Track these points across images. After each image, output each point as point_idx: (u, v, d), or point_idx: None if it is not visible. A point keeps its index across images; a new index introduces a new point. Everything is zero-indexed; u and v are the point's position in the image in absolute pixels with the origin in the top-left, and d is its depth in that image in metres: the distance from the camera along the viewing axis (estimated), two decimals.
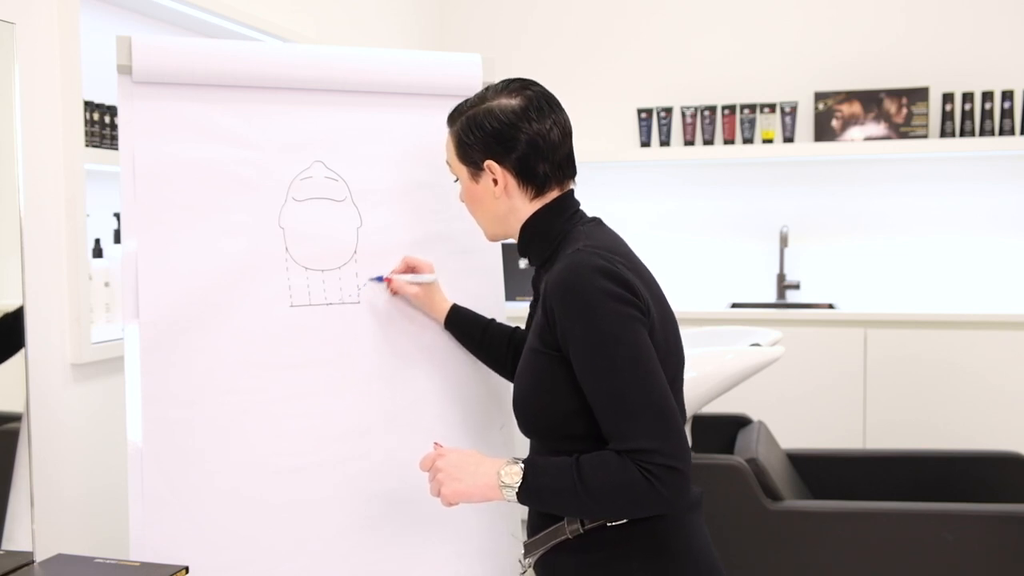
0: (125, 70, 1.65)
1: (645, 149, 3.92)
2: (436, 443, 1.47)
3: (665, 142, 3.94)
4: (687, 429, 2.43)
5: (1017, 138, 3.57)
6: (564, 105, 1.50)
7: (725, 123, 3.88)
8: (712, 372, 2.29)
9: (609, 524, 1.37)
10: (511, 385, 1.58)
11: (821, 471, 2.74)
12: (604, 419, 1.31)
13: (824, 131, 3.82)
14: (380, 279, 1.78)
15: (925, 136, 3.71)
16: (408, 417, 1.80)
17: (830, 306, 3.84)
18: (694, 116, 3.90)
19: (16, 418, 1.63)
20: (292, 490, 1.69)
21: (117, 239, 2.19)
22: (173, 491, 1.62)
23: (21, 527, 1.61)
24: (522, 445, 1.53)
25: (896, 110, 3.75)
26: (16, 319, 1.65)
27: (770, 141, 3.85)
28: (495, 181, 1.46)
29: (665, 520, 1.38)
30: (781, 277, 3.91)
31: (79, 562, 1.53)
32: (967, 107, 3.65)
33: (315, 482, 1.71)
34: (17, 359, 1.65)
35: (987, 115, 3.62)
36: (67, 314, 1.91)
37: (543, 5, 4.14)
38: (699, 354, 2.33)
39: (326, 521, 1.71)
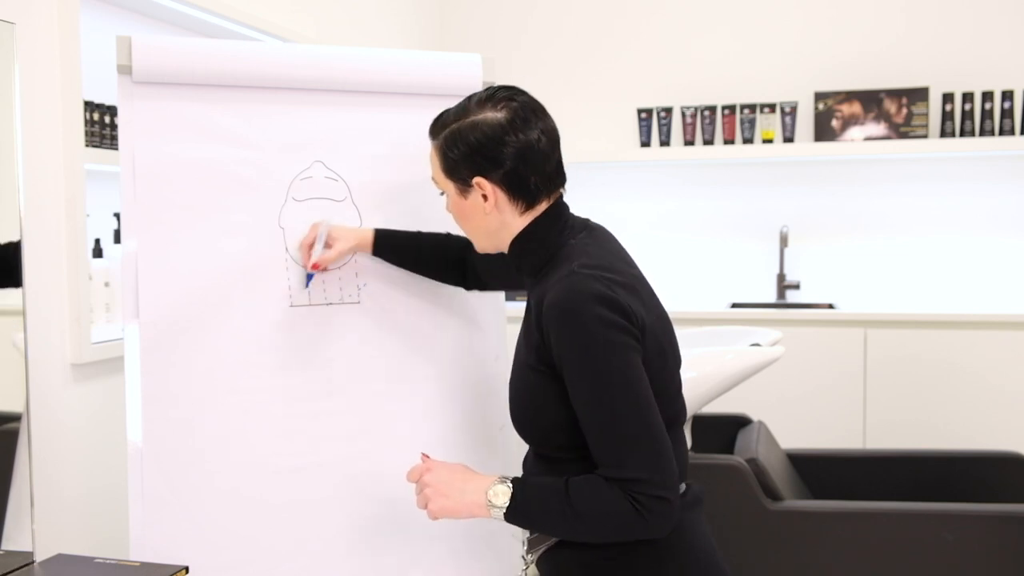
0: (125, 70, 1.65)
1: (645, 149, 3.92)
2: (424, 455, 1.45)
3: (665, 142, 3.94)
4: (687, 429, 2.43)
5: (1017, 138, 3.57)
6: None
7: (725, 123, 3.88)
8: (712, 372, 2.29)
9: None
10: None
11: (821, 471, 2.74)
12: (596, 446, 1.31)
13: (824, 131, 3.82)
14: (311, 276, 1.73)
15: (925, 136, 3.71)
16: (408, 417, 1.80)
17: (830, 306, 3.84)
18: (694, 116, 3.90)
19: (16, 418, 1.63)
20: (292, 490, 1.69)
21: (117, 239, 2.19)
22: (173, 491, 1.62)
23: (21, 527, 1.61)
24: (521, 445, 1.53)
25: (896, 110, 3.75)
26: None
27: (770, 141, 3.85)
28: (485, 197, 1.42)
29: None
30: (781, 277, 3.91)
31: (79, 562, 1.53)
32: (967, 107, 3.65)
33: (315, 482, 1.71)
34: (17, 359, 1.65)
35: (987, 115, 3.62)
36: (67, 314, 1.91)
37: (543, 5, 4.14)
38: (699, 354, 2.33)
39: (326, 521, 1.71)
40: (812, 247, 3.95)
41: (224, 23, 2.46)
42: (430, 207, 1.86)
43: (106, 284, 2.09)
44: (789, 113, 3.81)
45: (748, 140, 3.87)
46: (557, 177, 1.46)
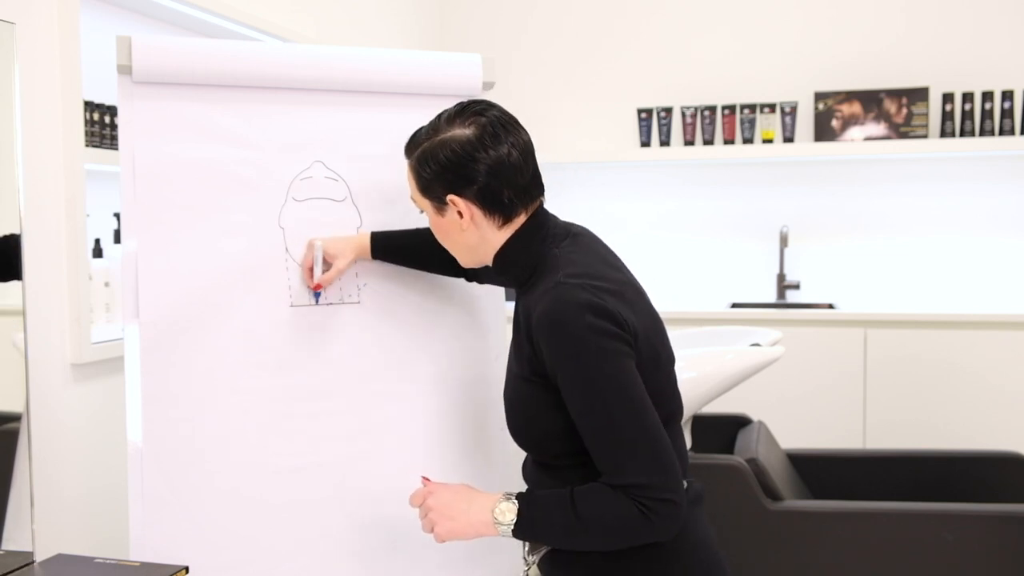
0: (125, 70, 1.65)
1: (645, 149, 3.92)
2: (424, 478, 1.45)
3: (665, 142, 3.94)
4: (687, 429, 2.43)
5: (1017, 138, 3.57)
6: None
7: (725, 123, 3.88)
8: (712, 372, 2.29)
9: None
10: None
11: (821, 471, 2.74)
12: (597, 454, 1.31)
13: (824, 131, 3.82)
14: (318, 295, 1.74)
15: (925, 136, 3.71)
16: (407, 417, 1.80)
17: (830, 306, 3.84)
18: (694, 116, 3.90)
19: (16, 418, 1.63)
20: (292, 490, 1.69)
21: (117, 239, 2.19)
22: (173, 491, 1.62)
23: (21, 527, 1.61)
24: None
25: (896, 110, 3.75)
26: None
27: (770, 141, 3.85)
28: (460, 214, 1.42)
29: None
30: (781, 277, 3.91)
31: (79, 562, 1.53)
32: (967, 107, 3.65)
33: (315, 482, 1.71)
34: (17, 359, 1.65)
35: (987, 115, 3.62)
36: (67, 314, 1.91)
37: (543, 5, 4.14)
38: (699, 354, 2.33)
39: (326, 521, 1.71)
40: (812, 247, 3.95)
41: (224, 23, 2.46)
42: None
43: (106, 284, 2.09)
44: (789, 113, 3.81)
45: (748, 140, 3.87)
46: (533, 189, 1.44)
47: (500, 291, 1.92)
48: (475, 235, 1.44)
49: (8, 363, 1.63)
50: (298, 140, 1.77)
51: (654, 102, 4.02)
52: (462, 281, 1.83)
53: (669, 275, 4.05)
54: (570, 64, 4.11)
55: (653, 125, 3.95)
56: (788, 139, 3.83)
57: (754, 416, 2.99)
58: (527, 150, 1.43)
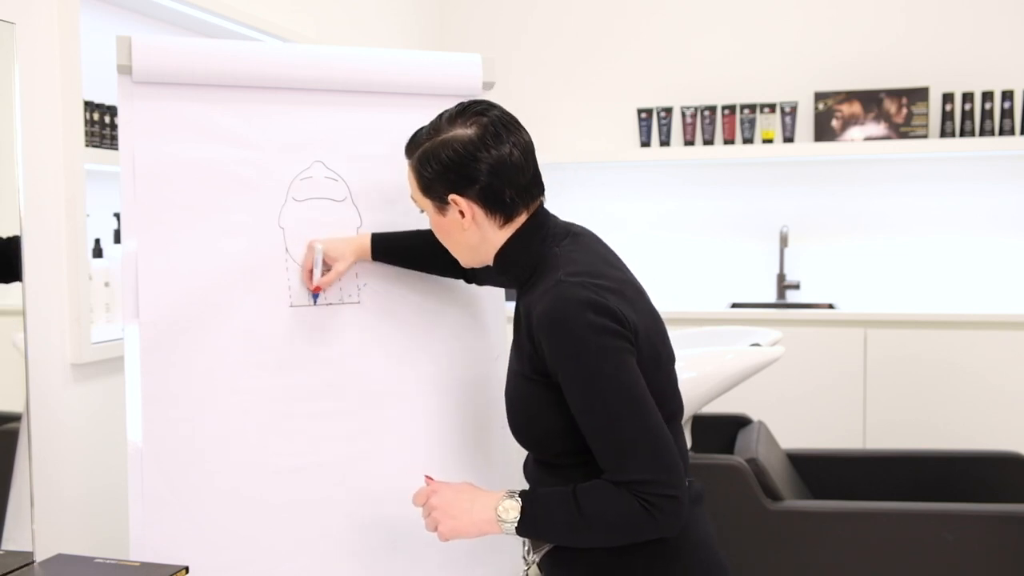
0: (125, 70, 1.65)
1: (645, 149, 3.92)
2: (428, 477, 1.45)
3: (665, 142, 3.94)
4: (687, 429, 2.43)
5: (1017, 138, 3.57)
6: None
7: (725, 123, 3.88)
8: (712, 372, 2.29)
9: None
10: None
11: (821, 471, 2.74)
12: (599, 452, 1.32)
13: (824, 131, 3.82)
14: (316, 296, 1.74)
15: (925, 136, 3.71)
16: (408, 417, 1.80)
17: (830, 306, 3.84)
18: (694, 116, 3.90)
19: (16, 418, 1.63)
20: (292, 490, 1.69)
21: (117, 239, 2.19)
22: (173, 491, 1.62)
23: (21, 527, 1.61)
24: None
25: (896, 110, 3.75)
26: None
27: (770, 141, 3.85)
28: (462, 213, 1.42)
29: None
30: (781, 277, 3.91)
31: (79, 562, 1.53)
32: (967, 107, 3.65)
33: (315, 482, 1.71)
34: (17, 359, 1.65)
35: (987, 115, 3.62)
36: (67, 314, 1.91)
37: (543, 5, 4.14)
38: (699, 354, 2.33)
39: (326, 521, 1.71)
40: (812, 247, 3.95)
41: (224, 23, 2.46)
42: None
43: (106, 284, 2.09)
44: (789, 113, 3.81)
45: (748, 140, 3.87)
46: (534, 188, 1.45)
47: (500, 291, 1.92)
48: (476, 234, 1.45)
49: (8, 363, 1.63)
50: (298, 140, 1.77)
51: (654, 102, 4.02)
52: (462, 282, 1.83)
53: (669, 275, 4.05)
54: (570, 64, 4.11)
55: (653, 125, 3.95)
56: (788, 139, 3.83)
57: (754, 416, 2.99)
58: (528, 150, 1.44)
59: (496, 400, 1.87)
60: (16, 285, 1.65)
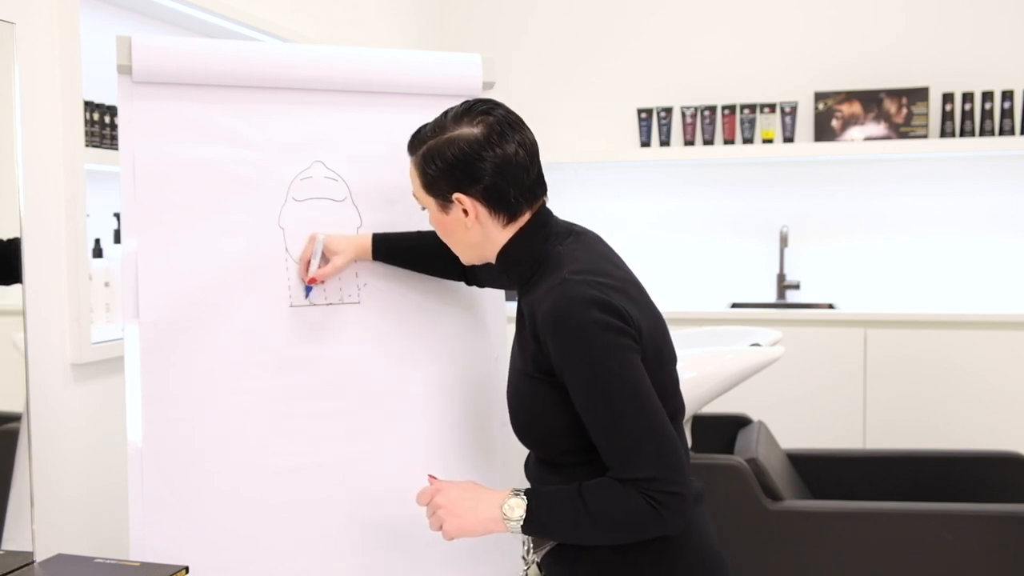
0: (125, 70, 1.65)
1: (645, 149, 3.92)
2: (431, 476, 1.45)
3: (665, 142, 3.94)
4: (687, 429, 2.43)
5: (1017, 138, 3.57)
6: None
7: (725, 123, 3.88)
8: (712, 372, 2.29)
9: None
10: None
11: (821, 471, 2.74)
12: (605, 449, 1.32)
13: (824, 131, 3.82)
14: (310, 289, 1.74)
15: (925, 136, 3.71)
16: (408, 416, 1.79)
17: (830, 306, 3.84)
18: (694, 116, 3.90)
19: (16, 418, 1.63)
20: (292, 490, 1.69)
21: (117, 239, 2.19)
22: (173, 491, 1.62)
23: (21, 527, 1.61)
24: (522, 445, 1.53)
25: (896, 110, 3.75)
26: None
27: (770, 141, 3.85)
28: (465, 212, 1.42)
29: None
30: (781, 277, 3.91)
31: (79, 562, 1.53)
32: (967, 107, 3.65)
33: (315, 482, 1.71)
34: (17, 359, 1.65)
35: (987, 115, 3.62)
36: (67, 314, 1.91)
37: (543, 5, 4.14)
38: (699, 354, 2.33)
39: (326, 521, 1.71)
40: (812, 247, 3.95)
41: (224, 23, 2.46)
42: None
43: (106, 284, 2.09)
44: (789, 113, 3.81)
45: (748, 140, 3.87)
46: (537, 188, 1.45)
47: (500, 291, 1.92)
48: (479, 233, 1.45)
49: (8, 363, 1.63)
50: (298, 140, 1.77)
51: (654, 102, 4.02)
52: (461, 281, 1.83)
53: (669, 275, 4.05)
54: (570, 64, 4.11)
55: (653, 125, 3.95)
56: (788, 139, 3.83)
57: (754, 416, 2.99)
58: (533, 149, 1.44)
59: (496, 399, 1.87)
60: (16, 285, 1.65)
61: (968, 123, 3.65)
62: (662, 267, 4.06)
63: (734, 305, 3.94)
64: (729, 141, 3.88)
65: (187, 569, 1.50)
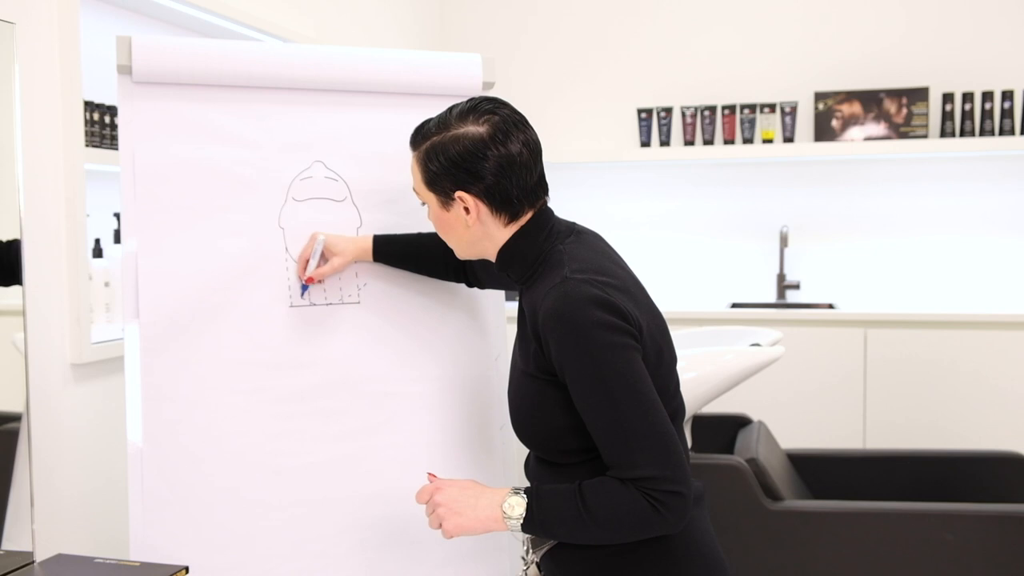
0: (125, 70, 1.65)
1: (645, 149, 3.92)
2: (431, 474, 1.45)
3: (665, 142, 3.94)
4: (687, 429, 2.43)
5: (1017, 138, 3.57)
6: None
7: (725, 123, 3.88)
8: (712, 372, 2.29)
9: None
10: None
11: (821, 471, 2.74)
12: (605, 448, 1.32)
13: (824, 131, 3.82)
14: (306, 288, 1.73)
15: (925, 136, 3.71)
16: (408, 417, 1.79)
17: (830, 306, 3.84)
18: (694, 116, 3.90)
19: (16, 418, 1.63)
20: (292, 490, 1.69)
21: (117, 239, 2.19)
22: (173, 491, 1.62)
23: (21, 527, 1.61)
24: (522, 445, 1.53)
25: (896, 110, 3.75)
26: None
27: (770, 141, 3.85)
28: (467, 210, 1.42)
29: None
30: (781, 277, 3.91)
31: (79, 562, 1.53)
32: (967, 107, 3.65)
33: (315, 482, 1.71)
34: (17, 359, 1.65)
35: (987, 115, 3.62)
36: (67, 314, 1.91)
37: (543, 5, 4.14)
38: (699, 354, 2.33)
39: (326, 521, 1.71)
40: (812, 247, 3.95)
41: (224, 23, 2.46)
42: None
43: (106, 284, 2.09)
44: (789, 113, 3.81)
45: (748, 140, 3.87)
46: (539, 188, 1.45)
47: (500, 291, 1.92)
48: (479, 231, 1.44)
49: (8, 363, 1.63)
50: (298, 140, 1.77)
51: (654, 102, 4.02)
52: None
53: (669, 275, 4.05)
54: (570, 64, 4.11)
55: (653, 125, 3.95)
56: (788, 139, 3.83)
57: (754, 416, 2.99)
58: (536, 149, 1.44)
59: (496, 399, 1.87)
60: (16, 286, 1.65)
61: (968, 123, 3.65)
62: (662, 267, 4.06)
63: (734, 305, 3.94)
64: (729, 141, 3.88)
65: (187, 569, 1.50)
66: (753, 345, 2.50)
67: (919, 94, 3.72)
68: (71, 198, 1.91)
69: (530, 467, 1.51)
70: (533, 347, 1.38)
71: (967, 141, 3.61)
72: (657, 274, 4.00)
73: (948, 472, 2.68)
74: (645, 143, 3.96)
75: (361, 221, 1.81)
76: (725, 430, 2.82)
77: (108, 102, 2.09)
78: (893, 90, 3.75)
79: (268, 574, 1.67)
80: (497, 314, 1.92)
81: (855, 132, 3.79)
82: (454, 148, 1.39)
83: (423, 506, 1.41)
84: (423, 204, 1.50)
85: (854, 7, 3.83)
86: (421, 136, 1.45)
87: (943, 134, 3.69)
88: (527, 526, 1.35)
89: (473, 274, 1.76)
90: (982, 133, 3.63)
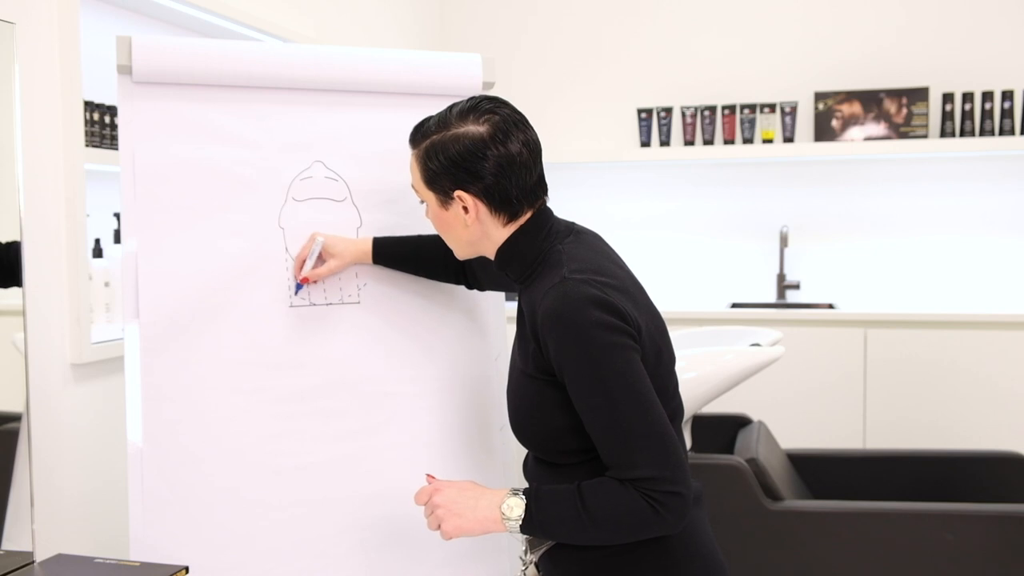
0: (125, 70, 1.65)
1: (645, 149, 3.92)
2: (429, 475, 1.45)
3: (665, 142, 3.94)
4: (687, 429, 2.43)
5: (1017, 138, 3.57)
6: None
7: (725, 123, 3.88)
8: (712, 372, 2.29)
9: None
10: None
11: (821, 471, 2.74)
12: (604, 449, 1.31)
13: (824, 131, 3.82)
14: (300, 286, 1.73)
15: (925, 136, 3.71)
16: (408, 417, 1.79)
17: (830, 306, 3.84)
18: (694, 116, 3.90)
19: (16, 418, 1.63)
20: (292, 490, 1.69)
21: (117, 239, 2.19)
22: (173, 491, 1.62)
23: (21, 527, 1.61)
24: (521, 446, 1.53)
25: (896, 110, 3.75)
26: None
27: (770, 141, 3.85)
28: (465, 209, 1.41)
29: None
30: (781, 277, 3.91)
31: (79, 562, 1.53)
32: (967, 107, 3.65)
33: (315, 482, 1.71)
34: (17, 359, 1.65)
35: (987, 115, 3.62)
36: (67, 314, 1.91)
37: (543, 5, 4.14)
38: (699, 354, 2.33)
39: (326, 521, 1.71)
40: (812, 247, 3.95)
41: (224, 23, 2.46)
42: None
43: (106, 284, 2.09)
44: (789, 113, 3.81)
45: (748, 140, 3.87)
46: (539, 188, 1.44)
47: (500, 292, 1.92)
48: (478, 230, 1.44)
49: (8, 363, 1.63)
50: (298, 140, 1.77)
51: (654, 102, 4.02)
52: None
53: (669, 275, 4.05)
54: (570, 64, 4.11)
55: (653, 125, 3.95)
56: (788, 139, 3.83)
57: (754, 416, 2.99)
58: (536, 150, 1.43)
59: (496, 399, 1.87)
60: (15, 287, 1.65)
61: (968, 123, 3.65)
62: (662, 267, 4.06)
63: (734, 305, 3.94)
64: (729, 141, 3.88)
65: (187, 569, 1.50)
66: (753, 345, 2.50)
67: (919, 94, 3.72)
68: (71, 198, 1.91)
69: (528, 468, 1.51)
70: (532, 347, 1.38)
71: (967, 141, 3.61)
72: (657, 274, 4.00)
73: (948, 472, 2.68)
74: (645, 143, 3.96)
75: (361, 221, 1.81)
76: (725, 430, 2.82)
77: (108, 102, 2.09)
78: (893, 90, 3.75)
79: (268, 574, 1.67)
80: (497, 314, 1.92)
81: (855, 132, 3.79)
82: (454, 147, 1.39)
83: (435, 530, 1.41)
84: (422, 202, 1.50)
85: (854, 7, 3.83)
86: (421, 134, 1.45)
87: (943, 134, 3.69)
88: (526, 527, 1.35)
89: (473, 276, 1.76)
90: (982, 133, 3.63)
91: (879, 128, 3.76)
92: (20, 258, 1.64)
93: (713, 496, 2.14)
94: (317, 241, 1.71)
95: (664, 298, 3.92)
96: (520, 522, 1.34)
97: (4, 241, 1.62)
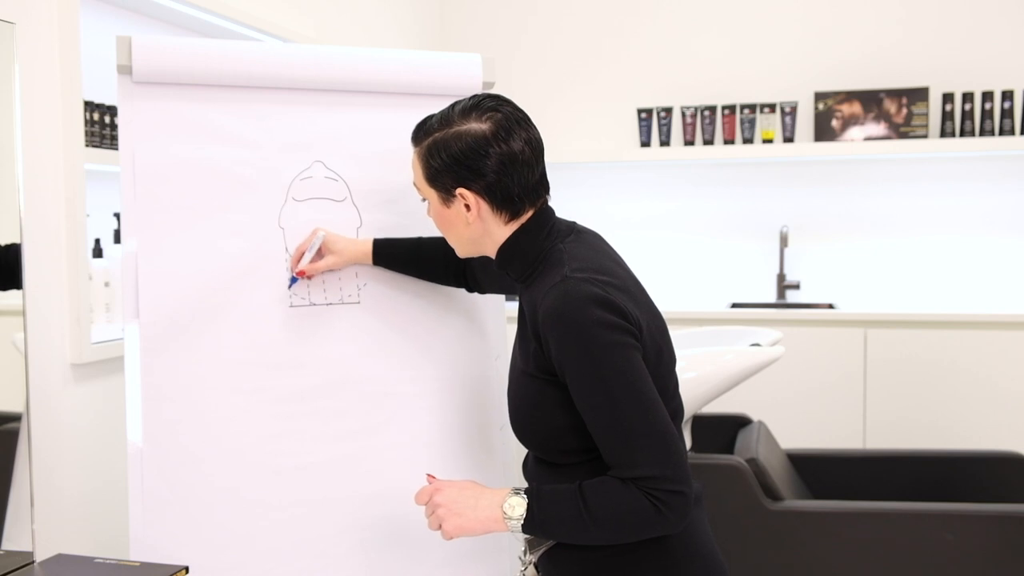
0: (125, 70, 1.65)
1: (645, 149, 3.92)
2: (430, 475, 1.45)
3: (665, 142, 3.94)
4: (687, 429, 2.43)
5: (1017, 138, 3.57)
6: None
7: (725, 123, 3.88)
8: (712, 372, 2.29)
9: None
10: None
11: (821, 471, 2.74)
12: (606, 448, 1.31)
13: (824, 131, 3.82)
14: (295, 279, 1.73)
15: (925, 136, 3.71)
16: (408, 417, 1.79)
17: (830, 306, 3.84)
18: (694, 116, 3.90)
19: (16, 418, 1.63)
20: (292, 490, 1.69)
21: (117, 239, 2.19)
22: (173, 491, 1.62)
23: (21, 527, 1.61)
24: (521, 445, 1.53)
25: (896, 110, 3.75)
26: None
27: (770, 141, 3.85)
28: (467, 207, 1.41)
29: None
30: (781, 277, 3.91)
31: (79, 562, 1.53)
32: (967, 107, 3.65)
33: (315, 482, 1.71)
34: (17, 359, 1.65)
35: (987, 115, 3.62)
36: (67, 314, 1.91)
37: (543, 5, 4.14)
38: (699, 354, 2.33)
39: (326, 521, 1.71)
40: (812, 247, 3.95)
41: (224, 23, 2.46)
42: None
43: (106, 284, 2.09)
44: (789, 113, 3.81)
45: (748, 140, 3.87)
46: (541, 187, 1.44)
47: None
48: (479, 229, 1.44)
49: (8, 363, 1.63)
50: (298, 140, 1.77)
51: (654, 102, 4.02)
52: None
53: (669, 275, 4.05)
54: (570, 64, 4.11)
55: (653, 125, 3.95)
56: (788, 139, 3.83)
57: (754, 416, 2.99)
58: (539, 148, 1.43)
59: (496, 399, 1.87)
60: (14, 290, 1.65)
61: (968, 123, 3.65)
62: (662, 267, 4.06)
63: (734, 305, 3.94)
64: (729, 141, 3.88)
65: (187, 569, 1.50)
66: (753, 345, 2.50)
67: (919, 94, 3.72)
68: (71, 198, 1.91)
69: (528, 468, 1.51)
70: (533, 346, 1.38)
71: (967, 141, 3.61)
72: (657, 274, 4.00)
73: (948, 472, 2.68)
74: (645, 143, 3.96)
75: (361, 221, 1.81)
76: (725, 430, 2.82)
77: (108, 102, 2.09)
78: (893, 90, 3.75)
79: (268, 574, 1.67)
80: (497, 314, 1.92)
81: (855, 132, 3.79)
82: (456, 145, 1.39)
83: (436, 530, 1.40)
84: (423, 200, 1.50)
85: (854, 7, 3.83)
86: (423, 132, 1.45)
87: (943, 134, 3.69)
88: (528, 526, 1.35)
89: (473, 279, 1.76)
90: (982, 133, 3.63)
91: (879, 128, 3.76)
92: (20, 259, 1.64)
93: (713, 496, 2.14)
94: (318, 236, 1.71)
95: (664, 298, 3.92)
96: (522, 521, 1.34)
97: (3, 244, 1.62)
